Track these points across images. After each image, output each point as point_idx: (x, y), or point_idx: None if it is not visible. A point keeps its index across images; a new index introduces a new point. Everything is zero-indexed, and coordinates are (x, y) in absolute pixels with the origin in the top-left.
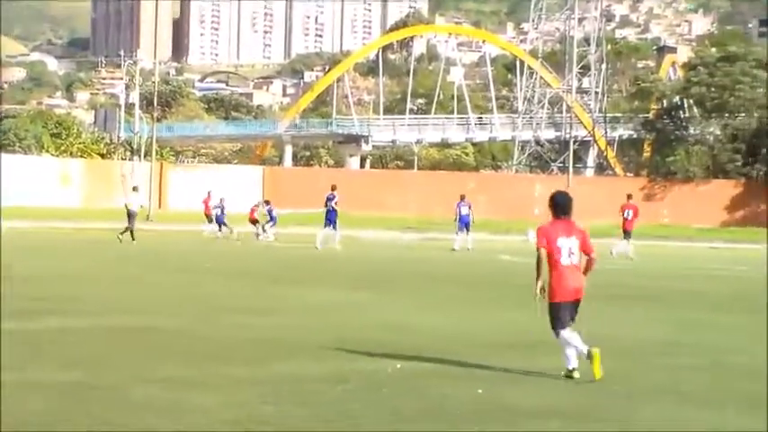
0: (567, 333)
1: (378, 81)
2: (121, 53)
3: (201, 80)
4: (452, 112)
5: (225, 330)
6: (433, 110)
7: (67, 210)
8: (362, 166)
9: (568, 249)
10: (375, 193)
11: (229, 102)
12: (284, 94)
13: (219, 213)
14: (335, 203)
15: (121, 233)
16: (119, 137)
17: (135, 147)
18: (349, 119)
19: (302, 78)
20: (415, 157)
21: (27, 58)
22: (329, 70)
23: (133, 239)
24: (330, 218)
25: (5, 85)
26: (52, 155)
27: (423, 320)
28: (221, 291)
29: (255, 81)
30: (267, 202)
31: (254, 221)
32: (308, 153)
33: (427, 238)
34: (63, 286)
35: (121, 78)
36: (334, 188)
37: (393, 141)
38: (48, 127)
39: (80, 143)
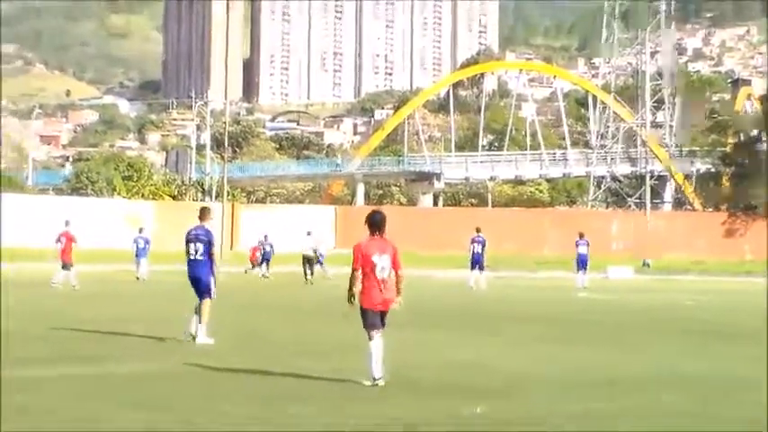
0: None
1: (448, 118)
2: (192, 94)
3: (272, 120)
4: (525, 149)
5: (298, 371)
6: (506, 146)
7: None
8: (435, 203)
9: (381, 266)
10: (449, 232)
11: (300, 141)
12: (355, 133)
13: (268, 250)
14: (482, 246)
15: (307, 277)
16: (190, 178)
17: (206, 188)
18: (421, 156)
19: (372, 116)
20: (489, 194)
21: (99, 101)
22: (399, 108)
23: (308, 281)
24: (476, 259)
25: (78, 129)
26: (123, 197)
27: (499, 360)
28: (296, 330)
29: (326, 120)
30: (266, 237)
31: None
32: (380, 191)
33: (500, 277)
34: (132, 328)
35: (192, 119)
36: (479, 230)
37: (466, 179)
38: (119, 169)
39: (151, 185)
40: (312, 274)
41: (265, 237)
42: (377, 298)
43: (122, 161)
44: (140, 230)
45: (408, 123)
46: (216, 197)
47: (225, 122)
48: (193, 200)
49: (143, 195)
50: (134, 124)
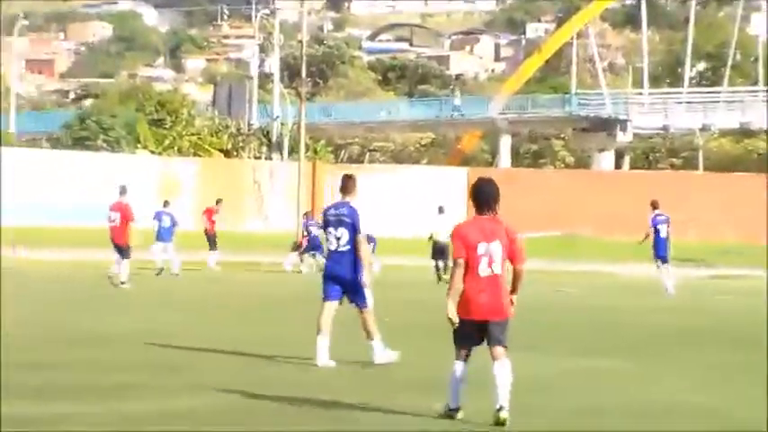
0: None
1: (639, 36)
2: None
3: (372, 38)
4: (756, 83)
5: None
6: (726, 80)
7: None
8: (618, 165)
9: (488, 257)
10: (639, 207)
11: (414, 70)
12: (497, 58)
13: (314, 233)
14: (668, 227)
15: (440, 274)
16: (250, 125)
17: (275, 139)
18: (596, 94)
19: (524, 34)
20: (700, 152)
21: (114, 8)
22: (564, 21)
23: (442, 279)
24: (660, 250)
25: (82, 50)
26: (151, 152)
27: (701, 399)
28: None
29: (453, 38)
30: (307, 215)
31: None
32: (534, 147)
33: (716, 276)
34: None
35: (253, 37)
36: (655, 205)
37: (664, 128)
38: (145, 110)
39: (192, 134)
40: (446, 269)
41: (306, 214)
42: (478, 303)
43: (149, 98)
44: (165, 204)
45: (578, 45)
46: (289, 153)
47: (301, 41)
48: (255, 156)
49: (180, 150)
50: (165, 43)
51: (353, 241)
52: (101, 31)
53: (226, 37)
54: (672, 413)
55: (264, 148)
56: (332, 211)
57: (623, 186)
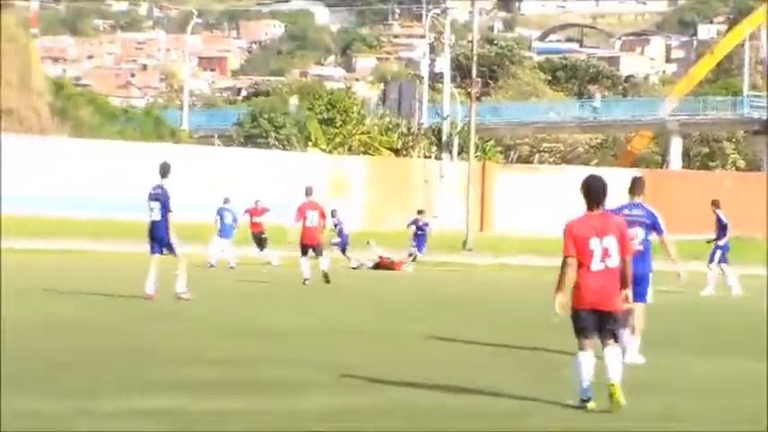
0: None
1: None
2: None
3: (542, 38)
4: None
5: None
6: None
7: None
8: None
9: (602, 251)
10: None
11: (585, 71)
12: (668, 59)
13: (423, 229)
14: None
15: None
16: (419, 124)
17: (444, 139)
18: None
19: (695, 35)
20: None
21: (285, 7)
22: (736, 22)
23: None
24: None
25: (255, 48)
26: (322, 150)
27: None
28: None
29: (624, 39)
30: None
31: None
32: (705, 149)
33: None
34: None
35: (423, 36)
36: None
37: None
38: (315, 109)
39: (362, 133)
40: None
41: (419, 213)
42: (595, 295)
43: (320, 97)
44: (225, 201)
45: (750, 46)
46: (459, 153)
47: (472, 41)
48: (425, 156)
49: (350, 148)
50: (337, 42)
51: (647, 241)
52: (273, 29)
53: (396, 36)
54: None
55: (434, 148)
56: (626, 212)
57: None
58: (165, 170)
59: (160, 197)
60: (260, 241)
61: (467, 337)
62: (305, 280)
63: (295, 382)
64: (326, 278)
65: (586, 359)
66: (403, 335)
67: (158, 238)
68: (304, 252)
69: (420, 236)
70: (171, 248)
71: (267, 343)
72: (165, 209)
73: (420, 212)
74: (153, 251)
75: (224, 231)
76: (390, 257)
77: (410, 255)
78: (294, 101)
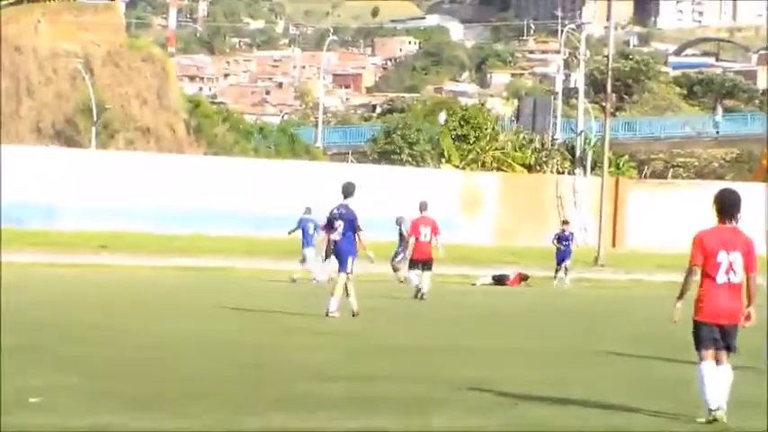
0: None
1: None
2: (558, 13)
3: (678, 53)
4: None
5: None
6: None
7: (475, 249)
8: None
9: (728, 265)
10: None
11: (721, 84)
12: None
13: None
14: None
15: None
16: (553, 139)
17: (578, 154)
18: None
19: None
20: None
21: (421, 24)
22: None
23: None
24: None
25: (389, 65)
26: (455, 166)
27: None
28: None
29: (761, 53)
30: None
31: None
32: None
33: None
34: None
35: (558, 51)
36: None
37: None
38: (449, 125)
39: (496, 149)
40: None
41: (564, 223)
42: (718, 308)
43: (454, 113)
44: (307, 211)
45: None
46: (592, 169)
47: (608, 56)
48: (558, 172)
49: (483, 164)
50: (471, 58)
51: None
52: (407, 45)
53: (531, 52)
54: None
55: (567, 163)
56: None
57: None
58: (348, 190)
59: (344, 216)
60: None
61: (600, 351)
62: (419, 292)
63: (421, 399)
64: (421, 296)
65: (709, 368)
66: (539, 350)
67: (340, 256)
68: (412, 266)
69: (566, 246)
70: (344, 265)
71: (396, 359)
72: (350, 229)
73: (565, 223)
74: (339, 269)
75: (308, 241)
76: (508, 274)
77: (557, 270)
78: (443, 114)
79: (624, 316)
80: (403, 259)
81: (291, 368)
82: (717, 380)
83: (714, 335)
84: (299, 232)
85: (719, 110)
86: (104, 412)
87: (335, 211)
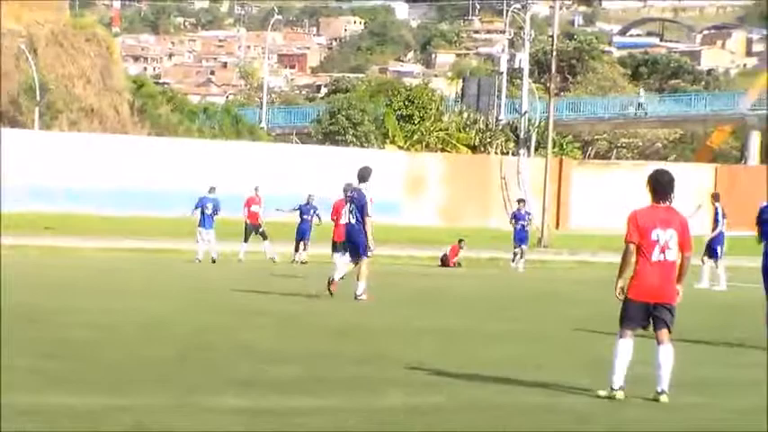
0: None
1: None
2: None
3: (622, 33)
4: None
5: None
6: None
7: (421, 229)
8: None
9: (663, 244)
10: None
11: (665, 65)
12: (748, 53)
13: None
14: None
15: None
16: (497, 120)
17: (522, 135)
18: None
19: None
20: None
21: (366, 3)
22: None
23: None
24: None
25: (335, 45)
26: (399, 147)
27: None
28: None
29: (705, 33)
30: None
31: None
32: None
33: None
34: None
35: (503, 32)
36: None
37: None
38: (394, 106)
39: (440, 130)
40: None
41: (519, 202)
42: (648, 286)
43: (398, 94)
44: (211, 190)
45: None
46: (535, 149)
47: (552, 36)
48: (503, 152)
49: (427, 145)
50: (416, 38)
51: None
52: (352, 25)
53: (476, 32)
54: None
55: (512, 144)
56: None
57: None
58: (364, 174)
59: (356, 201)
60: (257, 233)
61: (540, 333)
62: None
63: (370, 380)
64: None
65: (624, 346)
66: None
67: (351, 240)
68: (334, 249)
69: (522, 227)
70: (356, 252)
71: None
72: (362, 213)
73: (520, 201)
74: (335, 250)
75: (206, 222)
76: (446, 253)
77: (515, 253)
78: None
79: (569, 297)
80: None
81: (240, 349)
82: (627, 359)
83: (641, 313)
84: (198, 212)
85: (642, 92)
86: (53, 393)
87: (348, 195)
